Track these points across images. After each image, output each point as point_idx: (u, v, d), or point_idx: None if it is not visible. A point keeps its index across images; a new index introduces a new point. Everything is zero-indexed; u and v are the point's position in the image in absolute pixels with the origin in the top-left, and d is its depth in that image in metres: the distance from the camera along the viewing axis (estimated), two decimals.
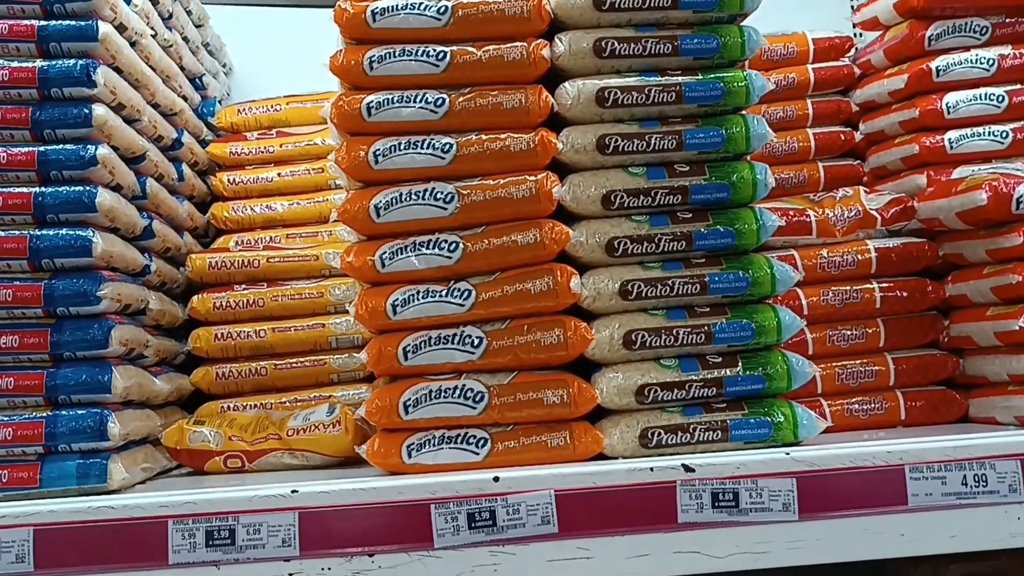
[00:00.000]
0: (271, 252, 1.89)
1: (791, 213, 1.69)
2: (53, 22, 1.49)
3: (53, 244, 1.42)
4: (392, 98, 1.38)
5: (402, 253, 1.37)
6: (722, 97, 1.41)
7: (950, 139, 1.75)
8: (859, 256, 1.68)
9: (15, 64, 1.46)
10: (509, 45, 1.40)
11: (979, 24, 1.79)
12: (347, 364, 1.83)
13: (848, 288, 1.66)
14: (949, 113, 1.76)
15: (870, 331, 1.66)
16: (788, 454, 1.28)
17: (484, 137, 1.38)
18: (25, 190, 1.44)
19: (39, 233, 1.42)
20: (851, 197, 1.74)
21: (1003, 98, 1.76)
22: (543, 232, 1.36)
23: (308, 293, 1.85)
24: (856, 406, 1.64)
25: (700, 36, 1.41)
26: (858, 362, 1.66)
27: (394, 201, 1.37)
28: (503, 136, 1.38)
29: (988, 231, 1.59)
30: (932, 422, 1.65)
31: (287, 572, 1.22)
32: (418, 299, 1.36)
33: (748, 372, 1.37)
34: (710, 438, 1.35)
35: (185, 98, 2.00)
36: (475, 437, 1.34)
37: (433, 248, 1.37)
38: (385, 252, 1.37)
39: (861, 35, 2.24)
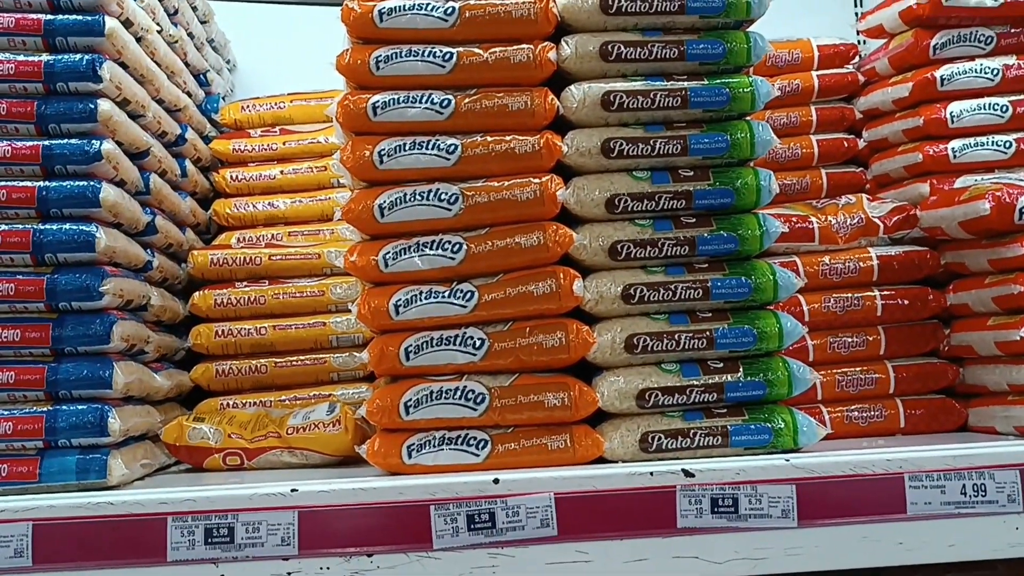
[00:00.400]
0: (273, 249, 1.89)
1: (794, 219, 1.69)
2: (60, 16, 1.49)
3: (56, 239, 1.41)
4: (398, 98, 1.38)
5: (405, 253, 1.37)
6: (727, 103, 1.41)
7: (953, 148, 1.76)
8: (861, 264, 1.68)
9: (21, 58, 1.46)
10: (515, 47, 1.40)
11: (984, 34, 1.80)
12: (347, 363, 1.83)
13: (849, 295, 1.66)
14: (953, 122, 1.76)
15: (871, 339, 1.66)
16: (788, 461, 1.28)
17: (489, 139, 1.38)
18: (29, 184, 1.43)
19: (42, 227, 1.42)
20: (854, 204, 1.74)
21: (1007, 108, 1.76)
22: (547, 235, 1.36)
23: (309, 291, 1.85)
24: (856, 413, 1.64)
25: (706, 41, 1.42)
26: (858, 369, 1.66)
27: (398, 201, 1.37)
28: (508, 138, 1.38)
29: (990, 241, 1.59)
30: (931, 431, 1.65)
31: (285, 571, 1.22)
32: (421, 300, 1.36)
33: (749, 378, 1.37)
34: (710, 443, 1.35)
35: (189, 94, 2.00)
36: (475, 439, 1.34)
37: (436, 249, 1.37)
38: (388, 252, 1.37)
39: (865, 42, 2.25)
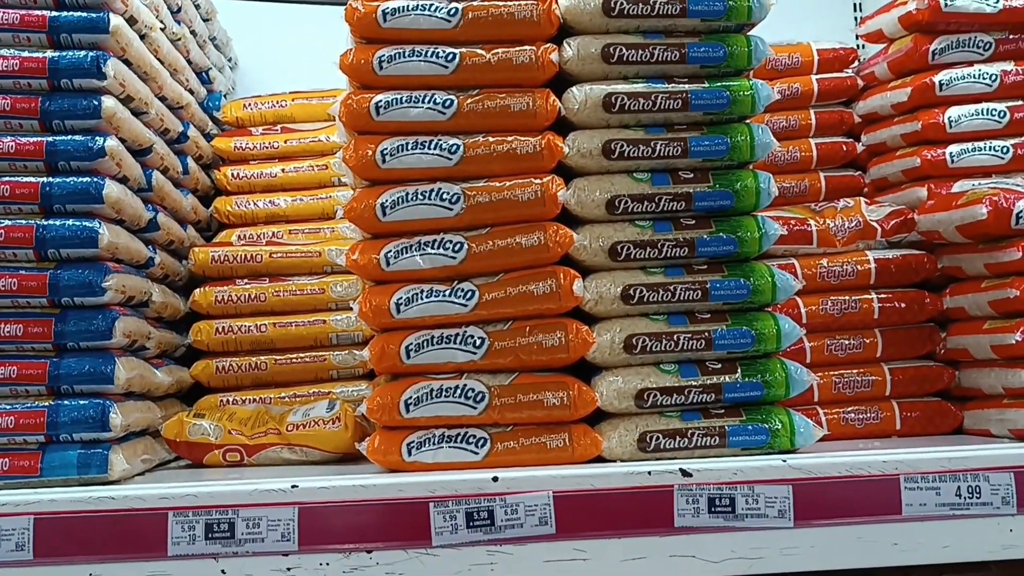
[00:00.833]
0: (274, 247, 1.90)
1: (792, 222, 1.70)
2: (65, 13, 1.49)
3: (59, 234, 1.42)
4: (401, 98, 1.39)
5: (407, 252, 1.38)
6: (728, 106, 1.42)
7: (951, 153, 1.77)
8: (858, 267, 1.69)
9: (25, 54, 1.47)
10: (518, 48, 1.40)
11: (983, 40, 1.81)
12: (347, 361, 1.84)
13: (847, 298, 1.67)
14: (951, 127, 1.77)
15: (868, 341, 1.67)
16: (785, 461, 1.29)
17: (491, 139, 1.39)
18: (33, 180, 1.44)
19: (46, 223, 1.43)
20: (852, 208, 1.75)
21: (1004, 114, 1.78)
22: (547, 235, 1.37)
23: (310, 289, 1.85)
24: (852, 415, 1.66)
25: (707, 44, 1.43)
26: (855, 371, 1.67)
27: (400, 200, 1.38)
28: (510, 139, 1.39)
29: (987, 245, 1.60)
30: (927, 433, 1.66)
31: (285, 566, 1.23)
32: (421, 298, 1.37)
33: (747, 379, 1.38)
34: (708, 443, 1.36)
35: (192, 92, 2.00)
36: (475, 437, 1.35)
37: (438, 248, 1.38)
38: (390, 251, 1.38)
39: (864, 47, 2.26)
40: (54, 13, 1.49)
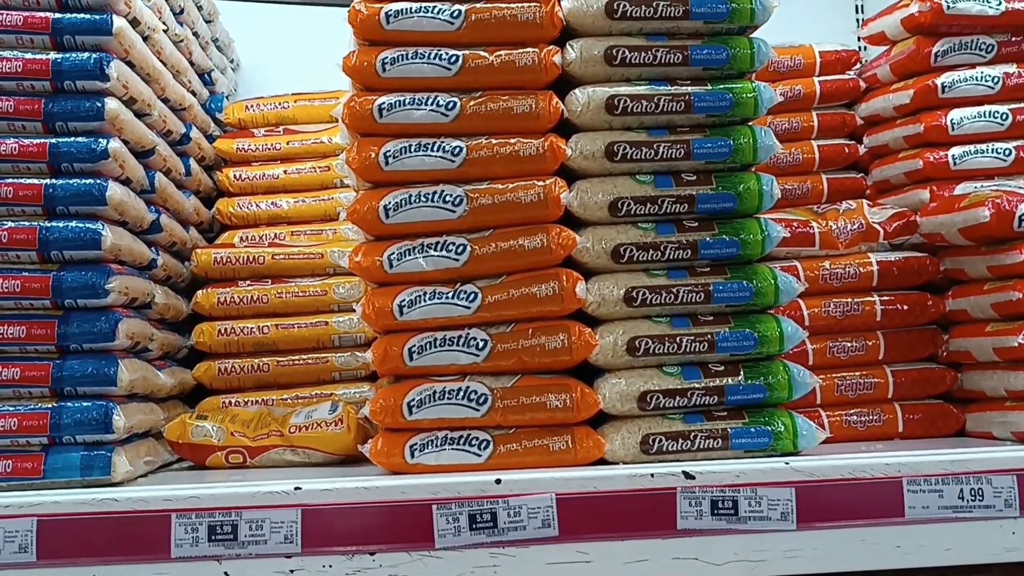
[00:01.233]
0: (276, 249, 1.90)
1: (795, 224, 1.70)
2: (68, 15, 1.49)
3: (63, 236, 1.42)
4: (404, 100, 1.39)
5: (410, 254, 1.38)
6: (731, 108, 1.42)
7: (954, 155, 1.77)
8: (861, 269, 1.69)
9: (29, 56, 1.47)
10: (521, 51, 1.41)
11: (985, 42, 1.81)
12: (349, 362, 1.84)
13: (849, 300, 1.68)
14: (953, 129, 1.78)
15: (870, 343, 1.67)
16: (787, 464, 1.29)
17: (494, 141, 1.39)
18: (36, 181, 1.44)
19: (49, 225, 1.43)
20: (854, 210, 1.75)
21: (1007, 116, 1.78)
22: (550, 237, 1.37)
23: (312, 291, 1.86)
24: (854, 417, 1.66)
25: (710, 47, 1.43)
26: (857, 374, 1.67)
27: (403, 202, 1.38)
28: (513, 141, 1.39)
29: (989, 248, 1.60)
30: (929, 435, 1.66)
31: (288, 568, 1.23)
32: (425, 300, 1.37)
33: (750, 381, 1.38)
34: (710, 446, 1.36)
35: (194, 93, 2.00)
36: (478, 439, 1.35)
37: (441, 250, 1.38)
38: (393, 253, 1.38)
39: (866, 49, 2.26)
40: (57, 15, 1.49)
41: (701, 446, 1.36)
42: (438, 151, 1.39)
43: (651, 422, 1.37)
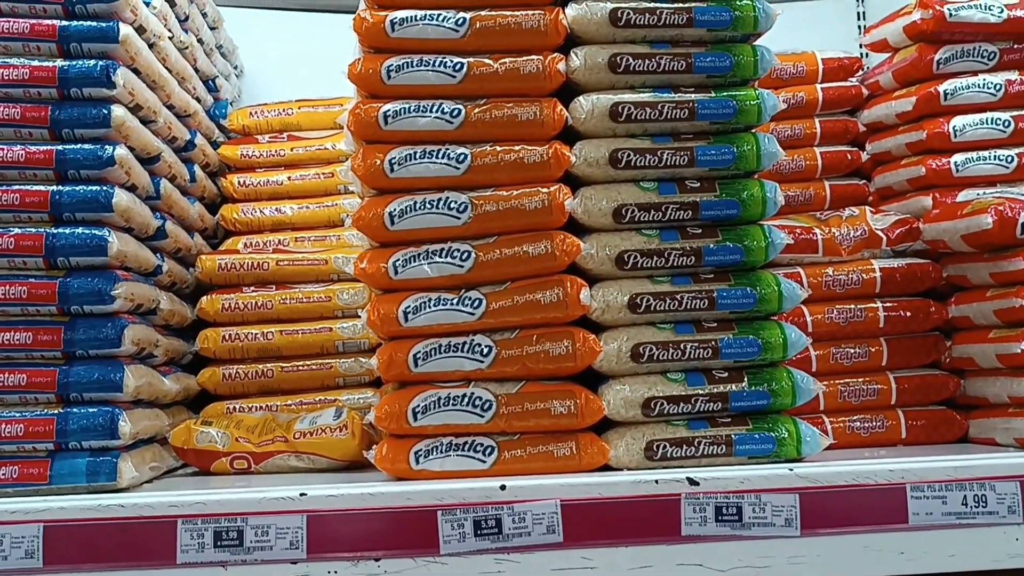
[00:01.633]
0: (281, 255, 1.90)
1: (798, 231, 1.70)
2: (74, 22, 1.50)
3: (69, 243, 1.43)
4: (409, 107, 1.40)
5: (415, 261, 1.38)
6: (734, 115, 1.43)
7: (956, 162, 1.77)
8: (864, 275, 1.69)
9: (35, 63, 1.48)
10: (525, 58, 1.41)
11: (987, 49, 1.82)
12: (353, 368, 1.84)
13: (852, 307, 1.68)
14: (956, 136, 1.78)
15: (873, 350, 1.68)
16: (791, 470, 1.30)
17: (499, 148, 1.40)
18: (42, 188, 1.45)
19: (55, 231, 1.43)
20: (857, 217, 1.75)
21: (1009, 123, 1.78)
22: (554, 244, 1.38)
23: (316, 297, 1.86)
24: (857, 424, 1.66)
25: (714, 54, 1.43)
26: (860, 380, 1.67)
27: (408, 209, 1.38)
28: (517, 148, 1.40)
29: (992, 254, 1.61)
30: (932, 441, 1.66)
31: (294, 574, 1.23)
32: (429, 307, 1.37)
33: (753, 388, 1.39)
34: (714, 452, 1.36)
35: (199, 100, 2.01)
36: (482, 445, 1.35)
37: (445, 256, 1.38)
38: (398, 259, 1.39)
39: (868, 55, 2.27)
40: (64, 23, 1.50)
41: (705, 452, 1.36)
42: (443, 158, 1.39)
43: (655, 428, 1.37)
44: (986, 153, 1.78)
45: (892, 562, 1.28)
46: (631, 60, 1.42)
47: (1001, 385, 1.59)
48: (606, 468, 1.36)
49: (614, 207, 1.40)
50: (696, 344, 1.38)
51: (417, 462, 1.35)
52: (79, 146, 1.48)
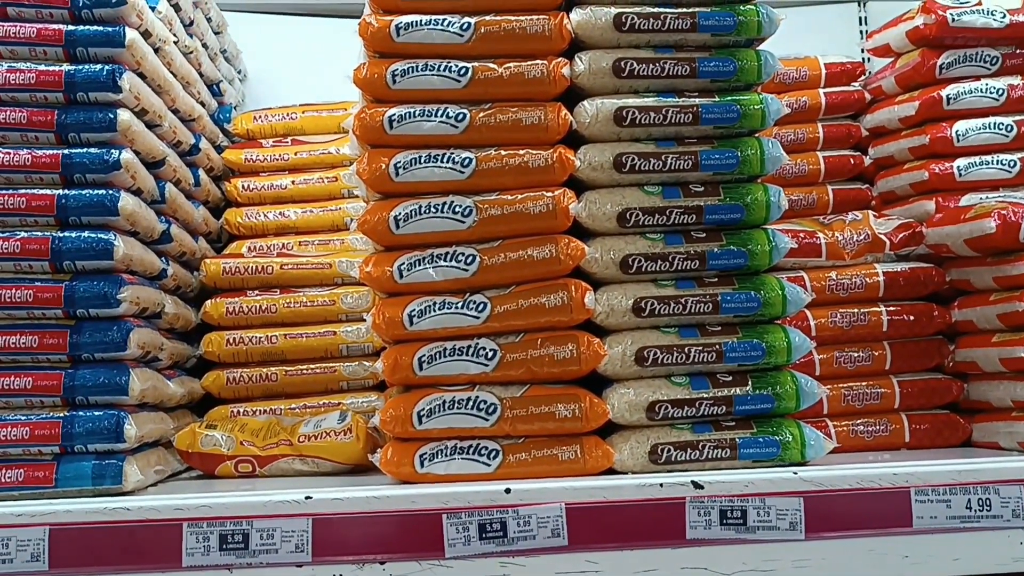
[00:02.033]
0: (285, 259, 1.91)
1: (802, 235, 1.71)
2: (81, 27, 1.50)
3: (75, 246, 1.43)
4: (414, 112, 1.40)
5: (420, 264, 1.39)
6: (738, 119, 1.43)
7: (959, 167, 1.78)
8: (867, 279, 1.70)
9: (42, 67, 1.48)
10: (530, 63, 1.42)
11: (989, 54, 1.82)
12: (357, 372, 1.84)
13: (856, 311, 1.68)
14: (958, 141, 1.78)
15: (876, 354, 1.68)
16: (796, 474, 1.30)
17: (503, 152, 1.40)
18: (49, 192, 1.45)
19: (61, 235, 1.44)
20: (860, 221, 1.76)
21: (1011, 128, 1.79)
22: (559, 247, 1.38)
23: (320, 301, 1.86)
24: (861, 427, 1.66)
25: (718, 59, 1.44)
26: (864, 384, 1.68)
27: (413, 213, 1.39)
28: (522, 152, 1.40)
29: (995, 259, 1.61)
30: (936, 445, 1.67)
31: None
32: (434, 310, 1.38)
33: (758, 391, 1.39)
34: (719, 456, 1.36)
35: (203, 104, 2.01)
36: (487, 448, 1.35)
37: (450, 260, 1.39)
38: (403, 263, 1.39)
39: (870, 60, 2.27)
40: (70, 27, 1.50)
41: (710, 456, 1.36)
42: (448, 162, 1.40)
43: (660, 432, 1.37)
44: (989, 157, 1.78)
45: (896, 566, 1.28)
46: (635, 65, 1.42)
47: (1004, 389, 1.59)
48: (611, 472, 1.36)
49: (618, 211, 1.40)
50: (700, 348, 1.38)
51: (422, 465, 1.35)
52: (85, 150, 1.48)
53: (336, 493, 1.27)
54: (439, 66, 1.41)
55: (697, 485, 1.27)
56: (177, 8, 1.90)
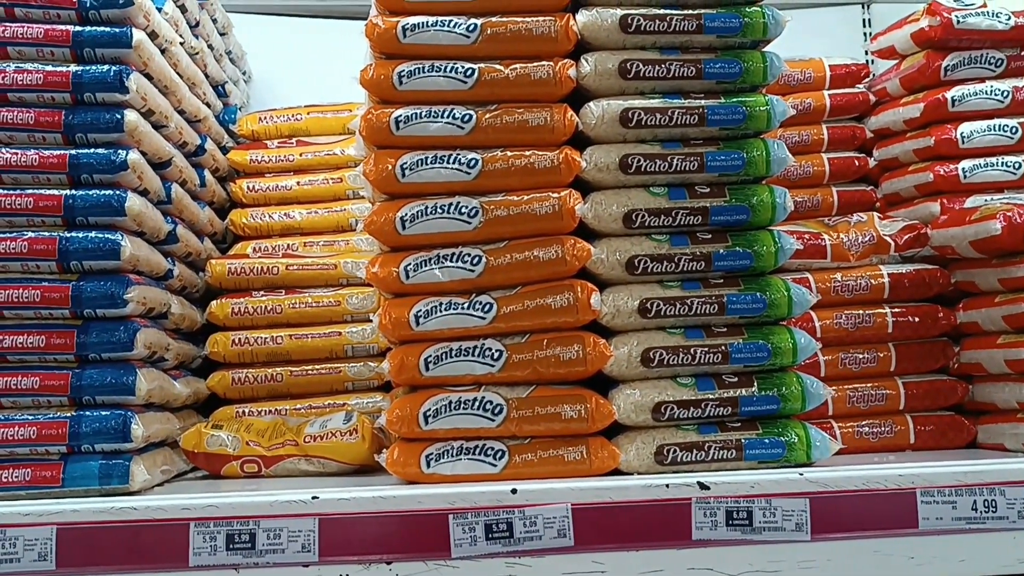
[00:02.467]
0: (290, 260, 1.91)
1: (807, 237, 1.71)
2: (88, 28, 1.51)
3: (82, 246, 1.43)
4: (420, 113, 1.40)
5: (426, 265, 1.39)
6: (744, 121, 1.43)
7: (964, 168, 1.78)
8: (872, 281, 1.70)
9: (49, 68, 1.48)
10: (536, 64, 1.42)
11: (994, 56, 1.82)
12: (362, 372, 1.85)
13: (861, 312, 1.68)
14: (963, 143, 1.79)
15: (881, 355, 1.68)
16: (801, 475, 1.30)
17: (509, 153, 1.41)
18: (56, 192, 1.46)
19: (68, 235, 1.44)
20: (865, 222, 1.76)
21: (1016, 129, 1.79)
22: (565, 248, 1.38)
23: (326, 301, 1.87)
24: (866, 429, 1.66)
25: (723, 60, 1.44)
26: (869, 385, 1.68)
27: (420, 214, 1.39)
28: (528, 153, 1.41)
29: (1000, 260, 1.61)
30: (941, 447, 1.67)
31: None
32: (440, 311, 1.38)
33: (763, 392, 1.39)
34: (725, 456, 1.36)
35: (209, 105, 2.02)
36: (493, 449, 1.36)
37: (456, 261, 1.39)
38: (409, 264, 1.39)
39: (875, 62, 2.27)
40: (78, 28, 1.51)
41: (715, 457, 1.36)
42: (454, 163, 1.40)
43: (665, 433, 1.37)
44: (994, 159, 1.79)
45: (902, 567, 1.28)
46: (641, 66, 1.42)
47: (1010, 390, 1.59)
48: (616, 472, 1.37)
49: (624, 212, 1.40)
50: (706, 349, 1.39)
51: (428, 466, 1.35)
52: (92, 151, 1.48)
53: (342, 493, 1.27)
54: (445, 67, 1.41)
55: (703, 486, 1.27)
56: (183, 9, 1.91)
